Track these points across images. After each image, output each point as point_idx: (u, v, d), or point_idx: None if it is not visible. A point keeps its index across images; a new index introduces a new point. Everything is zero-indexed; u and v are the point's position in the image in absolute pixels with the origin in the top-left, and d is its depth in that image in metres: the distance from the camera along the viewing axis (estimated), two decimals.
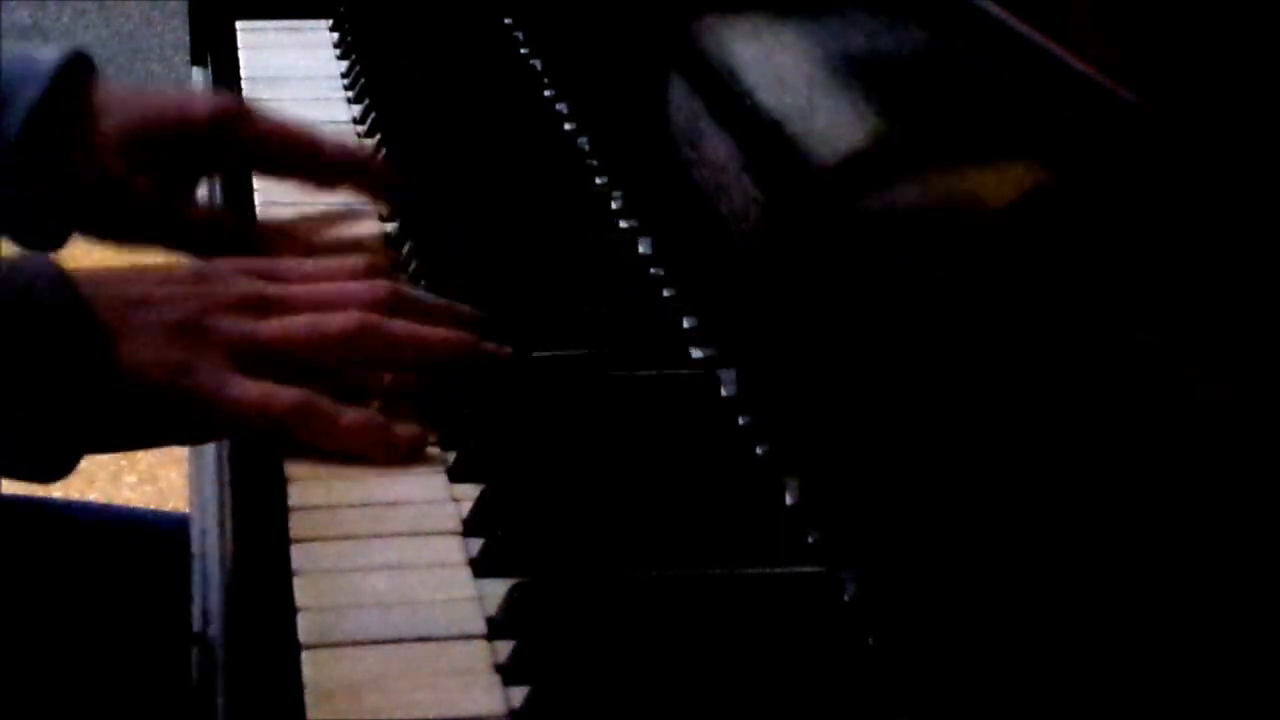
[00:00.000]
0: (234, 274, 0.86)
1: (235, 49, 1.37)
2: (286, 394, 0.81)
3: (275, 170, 1.07)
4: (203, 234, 1.03)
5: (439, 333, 0.86)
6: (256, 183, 1.09)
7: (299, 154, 1.05)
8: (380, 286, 0.87)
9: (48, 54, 1.01)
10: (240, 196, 1.10)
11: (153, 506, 1.17)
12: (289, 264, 0.90)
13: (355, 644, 0.70)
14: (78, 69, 1.02)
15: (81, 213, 1.03)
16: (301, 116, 1.16)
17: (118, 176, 1.01)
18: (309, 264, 0.90)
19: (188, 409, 0.80)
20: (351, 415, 0.81)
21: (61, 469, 0.81)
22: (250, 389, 0.80)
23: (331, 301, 0.85)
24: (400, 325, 0.85)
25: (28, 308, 0.79)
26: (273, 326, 0.83)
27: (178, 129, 1.03)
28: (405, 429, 0.82)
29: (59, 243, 1.04)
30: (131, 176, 1.01)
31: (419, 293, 0.90)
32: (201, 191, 1.12)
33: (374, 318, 0.84)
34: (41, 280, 0.80)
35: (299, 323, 0.83)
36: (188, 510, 0.97)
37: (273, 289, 0.85)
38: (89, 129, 1.01)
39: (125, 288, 0.82)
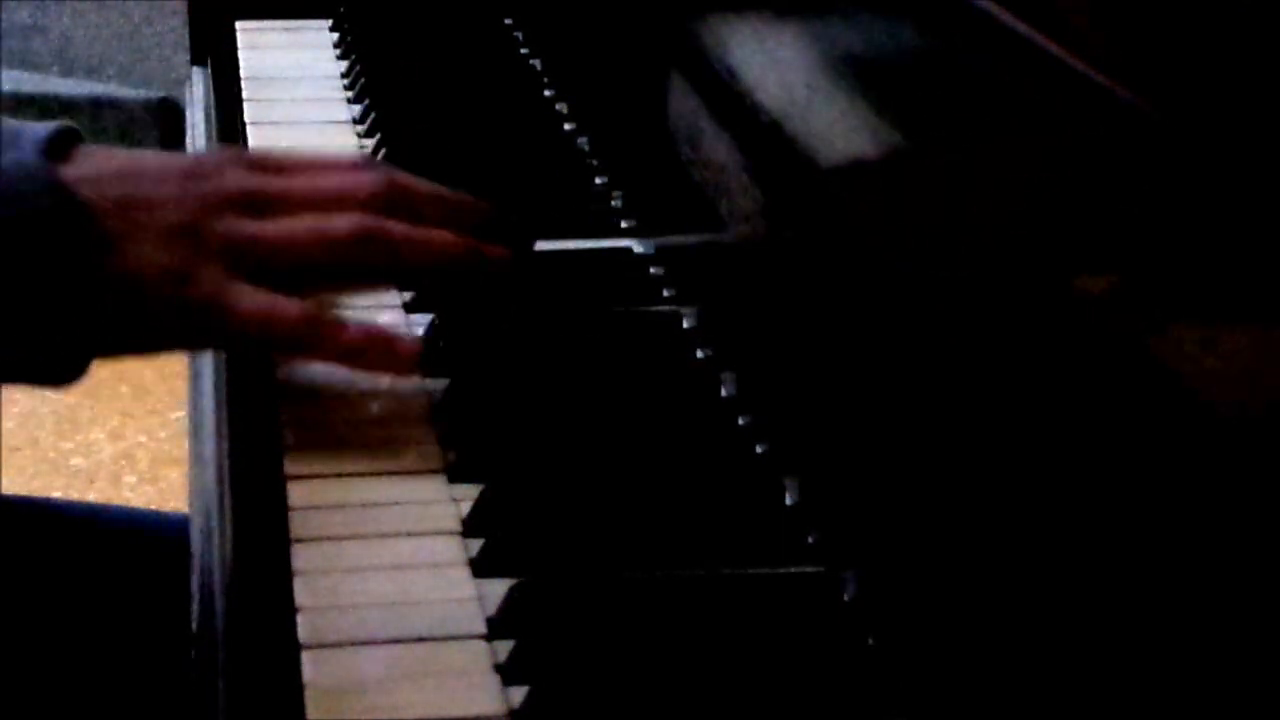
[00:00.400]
0: (232, 166, 0.85)
1: (235, 49, 1.37)
2: (292, 306, 0.81)
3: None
4: None
5: (440, 235, 0.86)
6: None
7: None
8: (380, 178, 0.86)
9: (35, 130, 1.01)
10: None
11: (153, 506, 1.17)
12: (284, 155, 0.89)
13: (355, 644, 0.70)
14: (63, 143, 1.01)
15: None
16: (301, 117, 1.16)
17: None
18: (304, 155, 0.89)
19: (189, 317, 0.80)
20: (355, 327, 0.82)
21: (70, 373, 0.80)
22: (255, 300, 0.80)
23: (331, 196, 0.84)
24: (401, 228, 0.84)
25: (23, 212, 0.78)
26: (272, 229, 0.82)
27: None
28: (405, 342, 0.84)
29: None
30: None
31: (417, 181, 0.89)
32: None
33: (374, 221, 0.84)
34: (37, 184, 0.79)
35: (300, 225, 0.83)
36: (188, 510, 0.97)
37: (272, 183, 0.84)
38: None
39: (123, 187, 0.81)
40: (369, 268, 0.85)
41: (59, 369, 0.80)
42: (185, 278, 0.80)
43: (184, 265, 0.80)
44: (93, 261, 0.79)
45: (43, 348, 0.79)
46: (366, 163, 0.89)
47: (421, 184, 0.89)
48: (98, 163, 0.83)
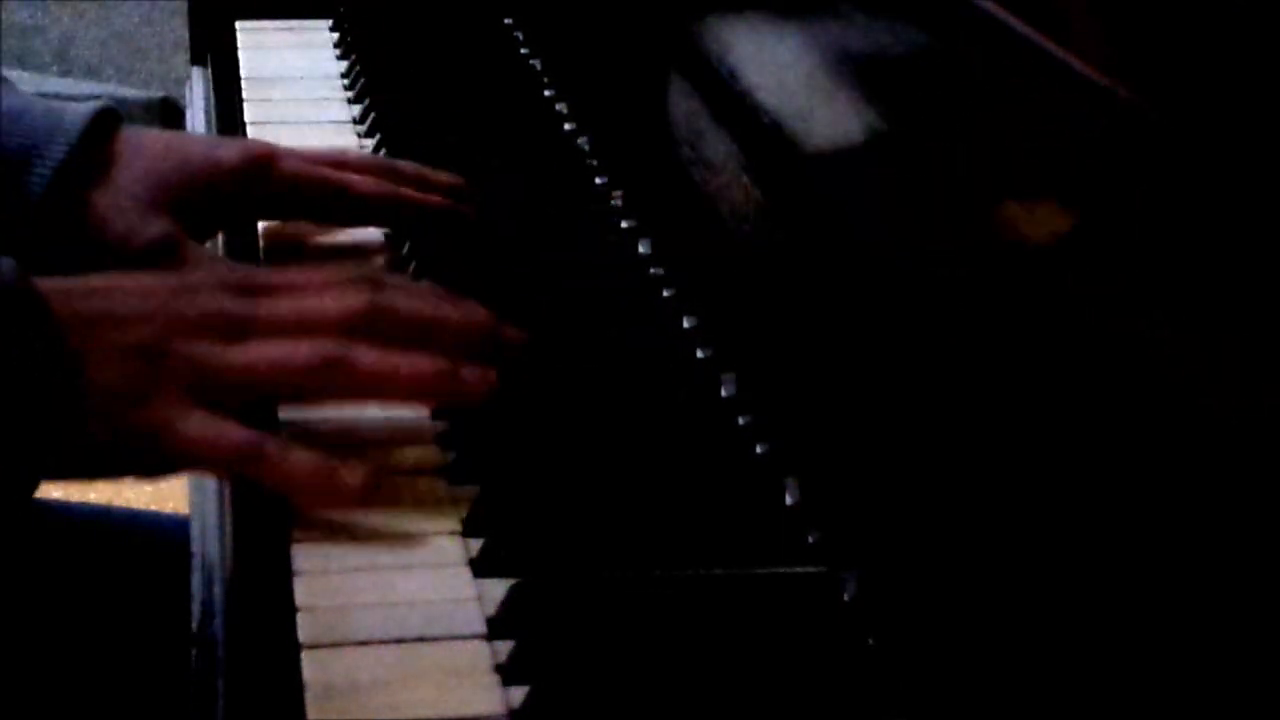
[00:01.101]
0: (209, 287, 0.81)
1: (235, 49, 1.37)
2: (234, 436, 0.77)
3: (305, 216, 1.05)
4: None
5: (410, 368, 0.81)
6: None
7: (327, 198, 1.02)
8: (359, 301, 0.81)
9: (77, 110, 0.99)
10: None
11: (153, 507, 1.17)
12: (267, 276, 0.85)
13: (355, 644, 0.70)
14: (106, 124, 0.99)
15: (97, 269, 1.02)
16: (301, 117, 1.16)
17: (135, 231, 0.98)
18: (290, 275, 0.85)
19: (131, 441, 0.77)
20: (297, 458, 0.77)
21: (13, 491, 0.76)
22: (201, 428, 0.77)
23: (305, 320, 0.81)
24: (370, 358, 0.80)
25: None
26: (237, 358, 0.79)
27: (206, 180, 1.00)
28: (353, 473, 0.78)
29: None
30: (148, 227, 0.98)
31: (405, 301, 0.83)
32: None
33: (339, 350, 0.79)
34: (5, 293, 0.76)
35: (263, 353, 0.79)
36: (188, 510, 0.97)
37: (242, 306, 0.81)
38: (112, 186, 0.98)
39: (94, 302, 0.78)
40: (334, 394, 0.81)
41: (4, 487, 0.76)
42: (136, 400, 0.77)
43: (138, 387, 0.77)
44: (47, 377, 0.75)
45: None
46: (356, 281, 0.83)
47: (407, 304, 0.83)
48: (72, 287, 0.79)
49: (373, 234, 1.07)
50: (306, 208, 1.03)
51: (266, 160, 1.01)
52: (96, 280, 0.81)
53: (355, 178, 1.03)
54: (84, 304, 0.78)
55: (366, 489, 0.78)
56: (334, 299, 0.82)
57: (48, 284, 0.78)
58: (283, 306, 0.81)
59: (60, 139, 0.98)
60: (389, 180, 1.04)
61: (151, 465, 0.79)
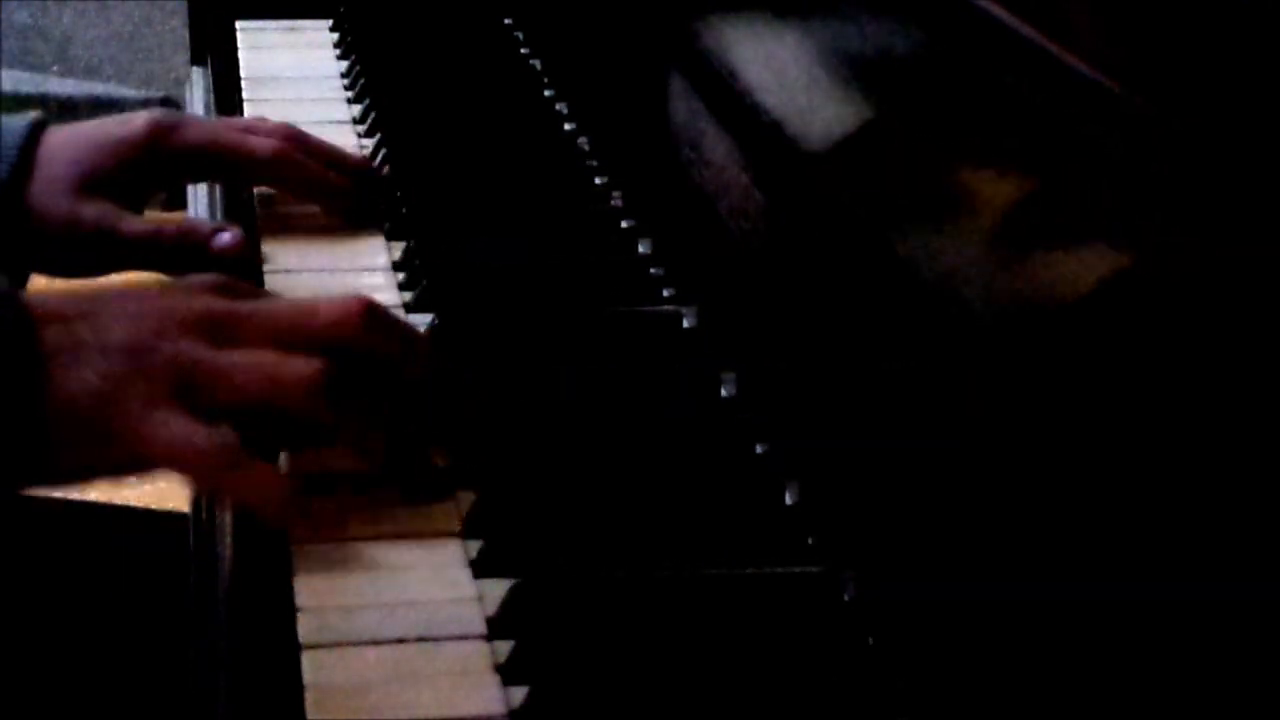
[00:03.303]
0: (199, 289, 0.81)
1: (235, 49, 1.37)
2: (202, 441, 0.75)
3: (214, 177, 1.11)
4: (157, 249, 1.03)
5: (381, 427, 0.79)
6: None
7: (227, 159, 1.07)
8: (353, 307, 0.80)
9: (14, 128, 1.04)
10: (241, 205, 1.11)
11: (153, 506, 1.17)
12: (267, 294, 0.85)
13: (355, 644, 0.70)
14: (37, 132, 1.04)
15: (46, 258, 1.06)
16: (301, 117, 1.16)
17: (68, 215, 1.02)
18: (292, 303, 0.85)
19: (108, 441, 0.75)
20: (263, 474, 0.76)
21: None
22: (172, 430, 0.75)
23: (296, 327, 0.79)
24: (356, 398, 0.79)
25: None
26: (225, 360, 0.77)
27: (118, 156, 1.04)
28: (321, 501, 0.77)
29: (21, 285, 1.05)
30: (82, 211, 1.03)
31: (390, 315, 0.83)
32: (200, 199, 1.14)
33: (331, 375, 0.77)
34: None
35: (253, 361, 0.77)
36: (188, 510, 0.97)
37: (235, 307, 0.80)
38: (45, 183, 1.03)
39: (80, 305, 0.78)
40: (314, 415, 0.78)
41: None
42: (113, 399, 0.75)
43: (114, 387, 0.75)
44: (23, 378, 0.75)
45: None
46: (356, 302, 0.82)
47: (398, 320, 0.84)
48: (61, 293, 0.79)
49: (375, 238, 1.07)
50: (213, 168, 1.09)
51: (170, 128, 1.06)
52: (87, 291, 0.80)
53: (254, 140, 1.08)
54: (69, 304, 0.78)
55: (341, 517, 0.76)
56: (325, 306, 0.81)
57: (36, 297, 0.78)
58: (269, 309, 0.81)
59: (3, 158, 1.03)
60: (294, 148, 1.08)
61: (120, 463, 0.77)
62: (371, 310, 0.81)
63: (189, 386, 0.76)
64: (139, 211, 1.05)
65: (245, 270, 1.01)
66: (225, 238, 1.03)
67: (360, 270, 1.03)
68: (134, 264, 1.05)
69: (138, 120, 1.06)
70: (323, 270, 1.02)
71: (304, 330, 0.79)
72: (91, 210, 1.03)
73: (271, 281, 1.01)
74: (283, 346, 0.78)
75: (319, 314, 0.80)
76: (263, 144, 1.07)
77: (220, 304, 0.80)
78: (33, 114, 1.05)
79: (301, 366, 0.77)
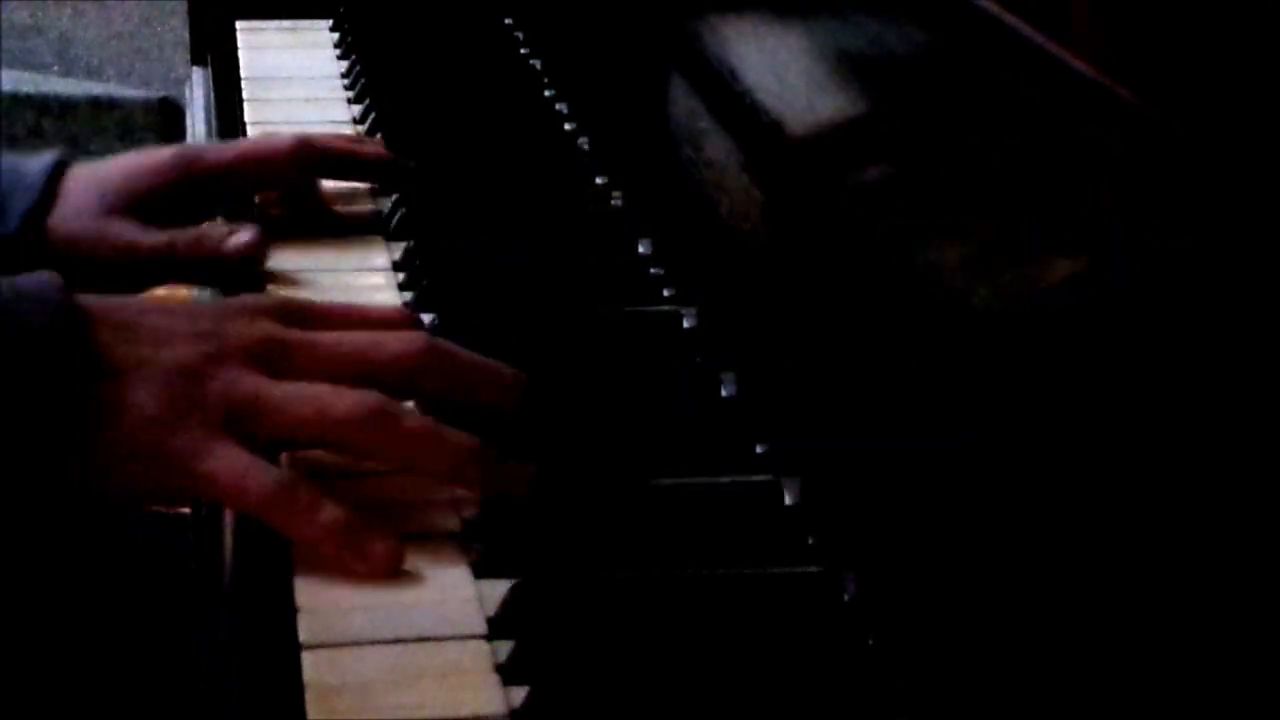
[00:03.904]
0: (259, 312, 0.80)
1: (235, 49, 1.37)
2: (264, 478, 0.75)
3: (232, 198, 1.11)
4: (175, 260, 1.05)
5: (455, 443, 0.78)
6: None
7: (257, 162, 1.09)
8: (417, 346, 0.80)
9: (37, 163, 1.06)
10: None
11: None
12: (325, 306, 0.84)
13: (355, 644, 0.70)
14: (60, 170, 1.06)
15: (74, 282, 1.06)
16: (301, 117, 1.16)
17: (95, 236, 1.04)
18: (347, 307, 0.85)
19: (157, 470, 0.75)
20: (328, 514, 0.75)
21: (35, 510, 0.76)
22: (230, 464, 0.75)
23: (353, 360, 0.79)
24: (415, 424, 0.77)
25: (22, 334, 0.75)
26: (278, 393, 0.77)
27: (148, 184, 1.06)
28: (382, 541, 0.74)
29: None
30: (107, 230, 1.05)
31: (459, 351, 0.82)
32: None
33: (388, 406, 0.77)
34: (43, 304, 0.76)
35: (306, 395, 0.77)
36: (187, 510, 0.97)
37: (294, 335, 0.79)
38: (69, 211, 1.05)
39: (139, 318, 0.78)
40: (371, 451, 0.78)
41: (28, 508, 0.76)
42: (169, 425, 0.75)
43: (171, 412, 0.75)
44: (84, 392, 0.75)
45: (16, 477, 0.74)
46: (407, 321, 0.83)
47: (463, 354, 0.82)
48: (116, 304, 0.80)
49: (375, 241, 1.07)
50: (241, 183, 1.10)
51: (196, 153, 1.09)
52: (142, 300, 0.81)
53: (275, 139, 1.11)
54: (123, 317, 0.78)
55: (392, 563, 0.74)
56: (390, 340, 0.80)
57: (92, 300, 0.78)
58: (333, 340, 0.80)
59: (26, 190, 1.05)
60: (312, 139, 1.11)
61: (175, 495, 0.79)
62: (433, 350, 0.80)
63: (242, 417, 0.76)
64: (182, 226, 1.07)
65: (254, 270, 1.02)
66: (241, 239, 1.03)
67: (361, 270, 1.03)
68: (158, 279, 1.06)
69: (165, 150, 1.09)
70: (323, 270, 1.02)
71: (364, 366, 0.79)
72: (115, 229, 1.04)
73: (272, 281, 1.01)
74: (341, 379, 0.78)
75: (381, 350, 0.80)
76: (284, 139, 1.10)
77: (279, 330, 0.79)
78: (54, 152, 1.08)
79: (355, 403, 0.77)
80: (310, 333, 0.80)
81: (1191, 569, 0.54)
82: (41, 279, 0.78)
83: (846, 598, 0.74)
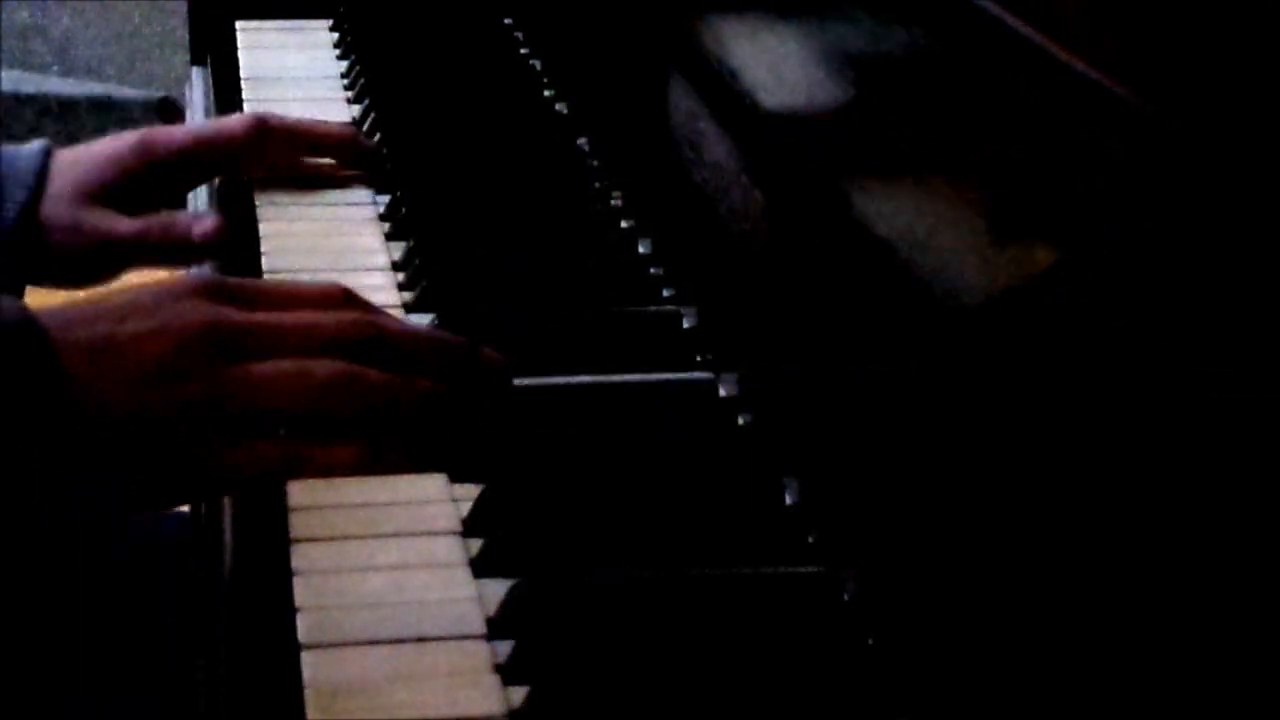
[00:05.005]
0: (191, 292, 0.81)
1: (235, 49, 1.37)
2: (273, 451, 0.78)
3: (206, 176, 1.17)
4: (148, 246, 1.10)
5: (416, 386, 0.81)
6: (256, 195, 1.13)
7: (211, 144, 1.13)
8: (360, 317, 0.82)
9: (29, 154, 1.10)
10: (238, 200, 1.12)
11: None
12: (254, 285, 0.85)
13: (355, 644, 0.70)
14: (47, 157, 1.11)
15: (51, 269, 1.11)
16: (301, 116, 1.16)
17: (71, 225, 1.09)
18: (276, 284, 0.87)
19: (184, 469, 0.78)
20: (339, 452, 0.79)
21: (28, 524, 0.78)
22: (236, 450, 0.78)
23: (309, 334, 0.80)
24: (381, 377, 0.80)
25: None
26: (256, 374, 0.78)
27: (116, 170, 1.10)
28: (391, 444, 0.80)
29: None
30: (83, 220, 1.09)
31: (395, 321, 0.86)
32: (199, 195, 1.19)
33: (354, 367, 0.79)
34: (3, 325, 0.76)
35: (280, 372, 0.79)
36: (187, 510, 0.97)
37: (242, 318, 0.80)
38: (52, 201, 1.10)
39: (93, 328, 0.78)
40: (342, 415, 0.80)
41: (25, 523, 0.78)
42: (165, 429, 0.77)
43: (164, 416, 0.77)
44: (60, 407, 0.75)
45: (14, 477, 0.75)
46: (340, 295, 0.84)
47: (397, 323, 0.85)
48: (68, 315, 0.80)
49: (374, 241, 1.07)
50: (203, 163, 1.14)
51: (156, 135, 1.13)
52: (86, 306, 0.80)
53: (230, 119, 1.15)
54: (85, 331, 0.78)
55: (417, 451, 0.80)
56: (334, 314, 0.82)
57: (46, 316, 0.78)
58: (284, 319, 0.81)
59: (21, 184, 1.09)
60: (269, 117, 1.15)
61: (196, 489, 0.81)
62: (371, 323, 0.82)
63: (230, 406, 0.78)
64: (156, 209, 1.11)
65: (232, 254, 1.07)
66: (205, 225, 1.09)
67: (360, 270, 1.03)
68: (132, 264, 1.11)
69: (129, 133, 1.13)
70: (323, 270, 1.03)
71: (313, 339, 0.80)
72: (91, 218, 1.09)
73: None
74: (297, 353, 0.80)
75: (330, 323, 0.81)
76: (240, 117, 1.15)
77: (222, 311, 0.80)
78: (42, 141, 1.12)
79: (329, 369, 0.79)
80: (253, 311, 0.81)
81: (1191, 568, 0.54)
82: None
83: (846, 598, 0.74)
